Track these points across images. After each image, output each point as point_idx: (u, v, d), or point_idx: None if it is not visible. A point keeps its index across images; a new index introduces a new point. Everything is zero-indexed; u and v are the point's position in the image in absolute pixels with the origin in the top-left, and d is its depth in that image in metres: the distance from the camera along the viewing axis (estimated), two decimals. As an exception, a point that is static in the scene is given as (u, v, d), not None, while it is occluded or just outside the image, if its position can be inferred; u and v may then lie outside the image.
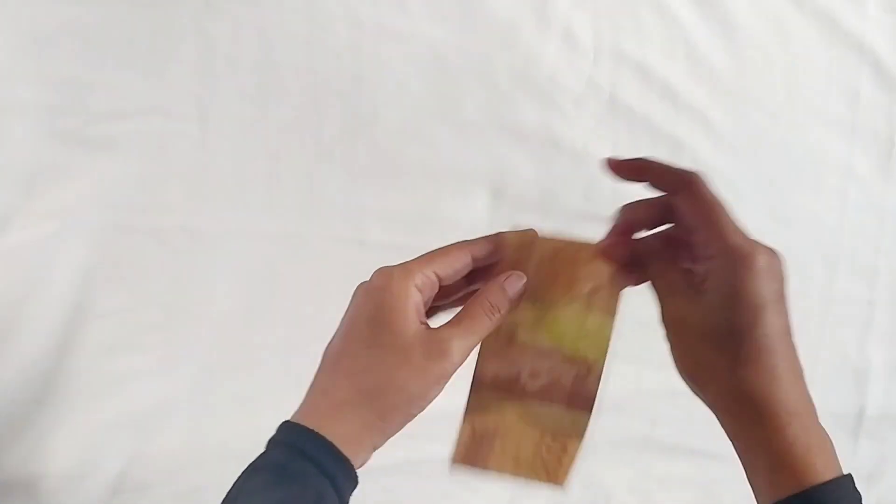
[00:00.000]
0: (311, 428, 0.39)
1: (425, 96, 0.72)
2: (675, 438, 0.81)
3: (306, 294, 0.72)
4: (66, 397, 0.66)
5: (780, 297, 0.40)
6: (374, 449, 0.41)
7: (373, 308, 0.40)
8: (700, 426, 0.81)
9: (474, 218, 0.75)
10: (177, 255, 0.68)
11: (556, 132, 0.76)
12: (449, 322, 0.41)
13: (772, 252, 0.40)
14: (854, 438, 0.90)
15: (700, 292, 0.40)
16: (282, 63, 0.69)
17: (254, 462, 0.40)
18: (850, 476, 0.37)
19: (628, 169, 0.44)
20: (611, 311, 0.44)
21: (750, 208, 0.83)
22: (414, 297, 0.40)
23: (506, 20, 0.73)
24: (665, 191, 0.43)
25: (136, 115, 0.66)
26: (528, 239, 0.45)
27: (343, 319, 0.42)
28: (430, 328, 0.41)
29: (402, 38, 0.71)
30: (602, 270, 0.43)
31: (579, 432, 0.44)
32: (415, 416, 0.41)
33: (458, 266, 0.42)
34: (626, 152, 0.80)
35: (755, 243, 0.40)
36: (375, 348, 0.39)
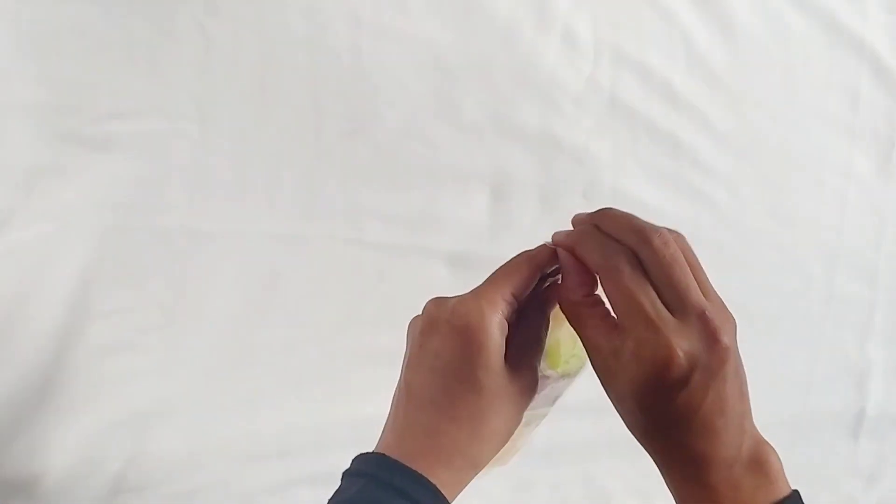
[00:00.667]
0: (421, 473, 0.36)
1: (425, 96, 0.72)
2: (675, 438, 0.81)
3: (306, 294, 0.72)
4: (66, 397, 0.66)
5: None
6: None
7: (464, 346, 0.37)
8: (700, 426, 0.82)
9: (474, 218, 0.75)
10: (177, 255, 0.68)
11: (556, 132, 0.76)
12: (526, 350, 0.40)
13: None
14: (854, 438, 0.90)
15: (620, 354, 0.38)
16: (282, 63, 0.69)
17: (344, 486, 0.38)
18: (795, 492, 0.38)
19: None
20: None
21: (750, 208, 0.84)
22: (502, 328, 0.38)
23: (506, 20, 0.73)
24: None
25: (136, 115, 0.66)
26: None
27: (425, 352, 0.39)
28: (511, 363, 0.38)
29: (402, 38, 0.71)
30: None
31: (537, 422, 0.45)
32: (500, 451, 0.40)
33: (531, 282, 0.40)
34: (627, 152, 0.81)
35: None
36: (475, 389, 0.37)
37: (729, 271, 0.82)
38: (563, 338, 0.43)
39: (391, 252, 0.73)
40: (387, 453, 0.38)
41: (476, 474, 0.39)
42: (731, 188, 0.82)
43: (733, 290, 0.83)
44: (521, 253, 0.41)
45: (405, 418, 0.39)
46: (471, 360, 0.37)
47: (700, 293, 0.38)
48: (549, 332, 0.42)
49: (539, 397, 0.43)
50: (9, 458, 0.64)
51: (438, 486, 0.36)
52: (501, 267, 0.40)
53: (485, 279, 0.40)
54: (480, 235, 0.75)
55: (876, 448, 0.91)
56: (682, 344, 0.36)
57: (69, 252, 0.65)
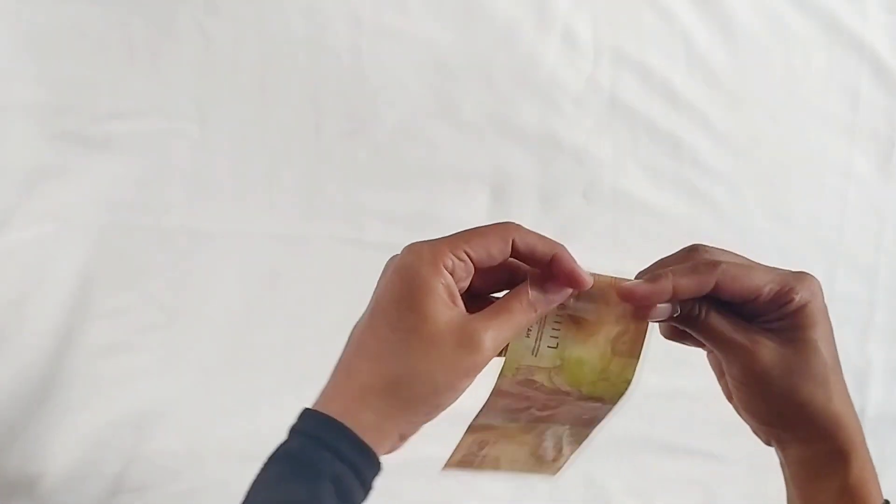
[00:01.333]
0: (330, 415, 0.37)
1: (425, 96, 0.72)
2: (675, 438, 0.81)
3: (306, 294, 0.72)
4: (66, 397, 0.66)
5: (829, 324, 0.42)
6: (403, 438, 0.39)
7: (401, 287, 0.38)
8: (700, 426, 0.82)
9: (474, 218, 0.75)
10: (177, 255, 0.68)
11: (556, 132, 0.76)
12: (484, 312, 0.38)
13: (809, 281, 0.42)
14: (854, 438, 0.90)
15: (759, 344, 0.40)
16: (281, 63, 0.69)
17: (273, 452, 0.39)
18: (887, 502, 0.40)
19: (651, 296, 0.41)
20: (635, 354, 0.42)
21: (750, 208, 0.84)
22: (445, 280, 0.37)
23: (506, 20, 0.73)
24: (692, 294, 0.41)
25: (136, 115, 0.66)
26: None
27: (372, 297, 0.40)
28: (463, 315, 0.37)
29: (402, 38, 0.71)
30: (629, 311, 0.41)
31: (579, 441, 0.44)
32: (443, 407, 0.38)
33: (493, 250, 0.38)
34: (627, 152, 0.81)
35: (800, 280, 0.41)
36: (402, 332, 0.37)
37: (729, 271, 0.83)
38: (588, 358, 0.41)
39: (391, 252, 0.73)
40: (314, 404, 0.39)
41: (409, 418, 0.38)
42: (731, 188, 0.82)
43: (733, 290, 0.83)
44: (501, 223, 0.39)
45: (337, 363, 0.40)
46: (401, 300, 0.37)
47: None
48: (569, 348, 0.41)
49: (560, 412, 0.42)
50: (9, 458, 0.64)
51: (356, 429, 0.36)
52: (471, 228, 0.39)
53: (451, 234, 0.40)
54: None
55: (876, 448, 0.91)
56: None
57: (69, 252, 0.65)
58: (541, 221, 0.77)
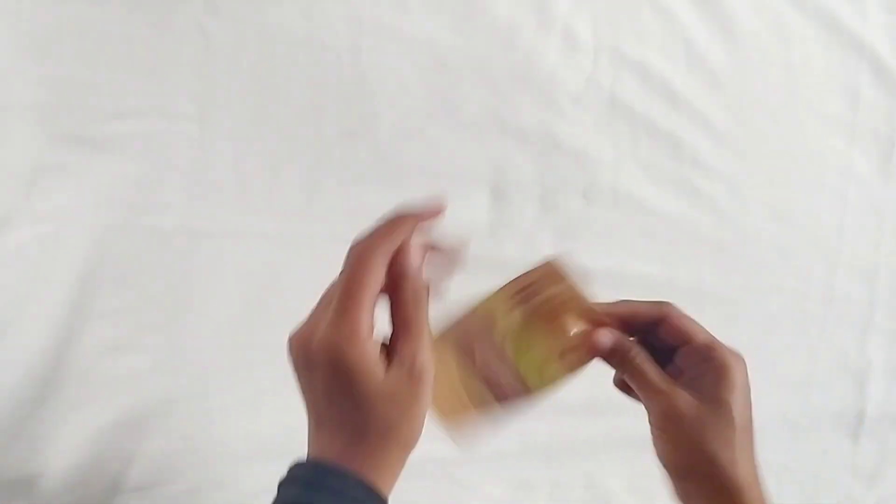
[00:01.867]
0: (332, 462, 0.39)
1: (425, 96, 0.72)
2: (675, 438, 0.81)
3: (306, 294, 0.72)
4: (66, 397, 0.66)
5: (748, 397, 0.45)
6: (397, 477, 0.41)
7: (344, 376, 0.40)
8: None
9: (474, 218, 0.75)
10: (177, 255, 0.68)
11: (556, 132, 0.76)
12: (395, 338, 0.41)
13: (739, 357, 0.46)
14: (854, 438, 0.90)
15: (677, 392, 0.44)
16: (282, 63, 0.69)
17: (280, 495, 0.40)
18: None
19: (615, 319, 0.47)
20: (573, 370, 0.46)
21: (750, 208, 0.84)
22: (370, 351, 0.40)
23: (506, 20, 0.73)
24: (646, 327, 0.47)
25: (136, 115, 0.66)
26: (552, 269, 0.47)
27: (313, 386, 0.42)
28: (390, 364, 0.40)
29: (402, 38, 0.71)
30: (586, 333, 0.46)
31: (485, 409, 0.46)
32: (419, 434, 0.41)
33: (382, 278, 0.42)
34: (626, 152, 0.81)
35: (732, 353, 0.46)
36: (359, 412, 0.39)
37: (729, 271, 0.83)
38: (535, 346, 0.46)
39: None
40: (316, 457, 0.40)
41: (400, 454, 0.40)
42: (732, 188, 0.82)
43: (733, 289, 0.83)
44: (369, 251, 0.43)
45: (309, 441, 0.42)
46: (341, 391, 0.39)
47: None
48: (528, 330, 0.46)
49: (493, 372, 0.46)
50: (9, 458, 0.64)
51: (367, 478, 0.38)
52: (351, 276, 0.42)
53: (338, 295, 0.42)
54: (480, 235, 0.75)
55: (876, 448, 0.91)
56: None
57: (69, 252, 0.65)
58: (541, 221, 0.77)
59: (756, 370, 0.84)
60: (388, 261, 0.42)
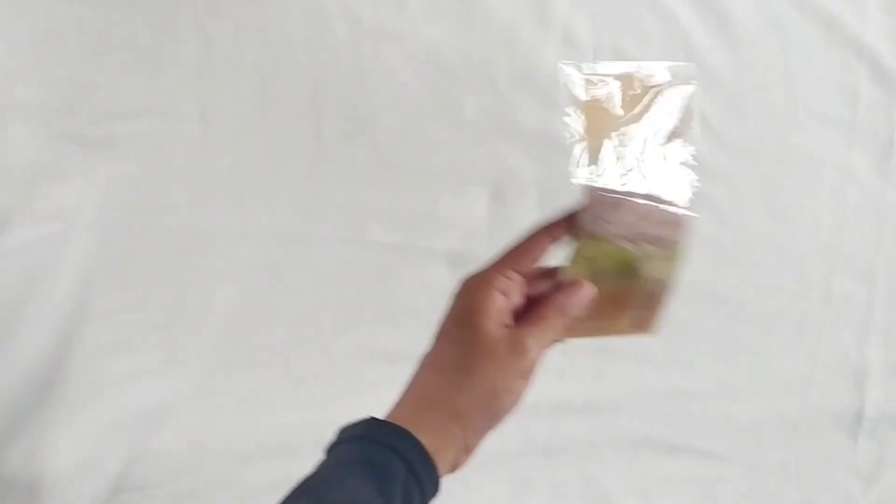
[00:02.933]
0: (399, 424, 0.40)
1: (425, 96, 0.72)
2: (675, 438, 0.81)
3: (306, 294, 0.72)
4: (66, 397, 0.66)
5: None
6: (469, 450, 0.42)
7: (458, 312, 0.43)
8: (700, 426, 0.82)
9: (474, 218, 0.75)
10: (177, 255, 0.68)
11: (556, 132, 0.76)
12: (525, 321, 0.44)
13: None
14: (854, 438, 0.90)
15: None
16: (282, 63, 0.69)
17: (335, 453, 0.42)
18: None
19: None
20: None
21: (750, 208, 0.84)
22: (496, 300, 0.43)
23: (506, 20, 0.73)
24: None
25: (137, 115, 0.66)
26: None
27: (438, 324, 0.45)
28: (511, 327, 0.43)
29: (402, 38, 0.71)
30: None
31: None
32: (504, 411, 0.42)
33: (537, 256, 0.45)
34: (626, 152, 0.81)
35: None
36: (461, 345, 0.42)
37: (729, 271, 0.83)
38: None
39: (391, 252, 0.73)
40: (387, 418, 0.42)
41: (473, 423, 0.41)
42: (731, 188, 0.82)
43: (733, 289, 0.83)
44: (531, 231, 0.46)
45: (409, 381, 0.44)
46: (458, 322, 0.43)
47: None
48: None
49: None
50: (9, 458, 0.64)
51: (420, 436, 0.40)
52: (512, 243, 0.45)
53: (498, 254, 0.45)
54: (480, 235, 0.75)
55: (875, 448, 0.91)
56: None
57: (69, 252, 0.65)
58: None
59: (756, 370, 0.84)
60: (549, 241, 0.46)
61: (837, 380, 0.89)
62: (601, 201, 0.46)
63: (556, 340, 0.45)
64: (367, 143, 0.71)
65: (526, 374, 0.42)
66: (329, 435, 0.69)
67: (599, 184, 0.46)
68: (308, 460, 0.72)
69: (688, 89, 0.45)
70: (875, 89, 0.85)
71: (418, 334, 0.74)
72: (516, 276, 0.44)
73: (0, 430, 0.64)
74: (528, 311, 0.44)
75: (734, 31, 0.80)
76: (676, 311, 0.85)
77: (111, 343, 0.67)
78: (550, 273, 0.46)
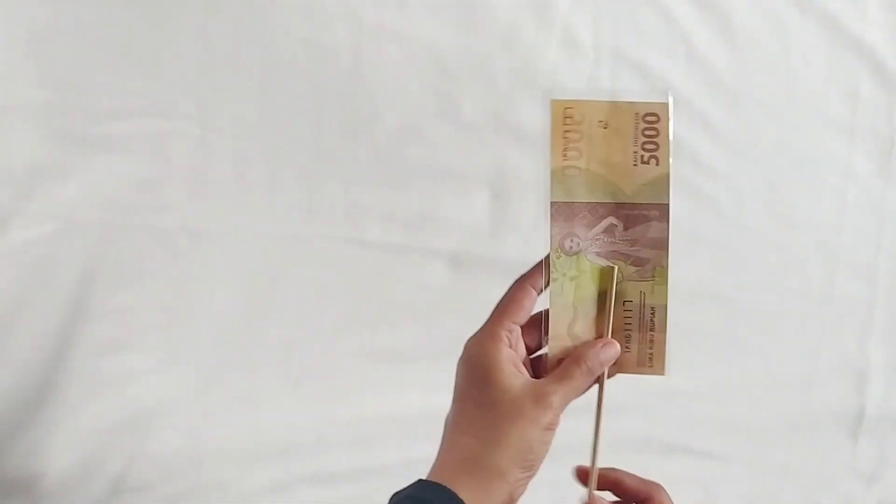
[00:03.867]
0: (441, 483, 0.41)
1: (425, 96, 0.72)
2: (675, 438, 0.81)
3: (306, 294, 0.72)
4: (66, 397, 0.66)
5: None
6: (513, 500, 0.44)
7: (474, 374, 0.44)
8: (700, 426, 0.82)
9: (474, 218, 0.75)
10: (177, 255, 0.68)
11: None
12: (551, 376, 0.44)
13: None
14: (854, 438, 0.90)
15: None
16: (282, 63, 0.69)
17: None
18: None
19: (601, 480, 0.50)
20: None
21: (750, 208, 0.84)
22: (507, 354, 0.43)
23: (506, 20, 0.73)
24: (633, 500, 0.49)
25: (136, 115, 0.66)
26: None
27: (454, 389, 0.45)
28: (532, 380, 0.44)
29: (402, 38, 0.71)
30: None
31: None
32: (539, 460, 0.44)
33: (527, 305, 0.45)
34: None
35: None
36: (486, 406, 0.43)
37: (729, 271, 0.83)
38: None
39: (391, 252, 0.73)
40: (426, 477, 0.43)
41: (508, 482, 0.42)
42: (732, 188, 0.82)
43: (733, 289, 0.83)
44: (516, 283, 0.46)
45: (442, 445, 0.45)
46: (476, 382, 0.43)
47: None
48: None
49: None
50: (9, 458, 0.64)
51: (461, 493, 0.40)
52: (501, 299, 0.46)
53: (491, 312, 0.46)
54: (480, 235, 0.75)
55: (876, 448, 0.91)
56: None
57: (69, 252, 0.65)
58: (541, 222, 0.77)
59: (756, 370, 0.84)
60: (534, 290, 0.45)
61: (838, 380, 0.89)
62: (563, 213, 0.45)
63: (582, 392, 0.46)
64: (367, 143, 0.71)
65: (553, 427, 0.44)
66: (328, 435, 0.69)
67: (564, 199, 0.45)
68: (308, 460, 0.72)
69: (664, 117, 0.45)
70: (875, 89, 0.85)
71: (418, 334, 0.75)
72: (515, 328, 0.45)
73: (0, 430, 0.64)
74: (558, 366, 0.45)
75: (734, 31, 0.80)
76: (677, 311, 0.85)
77: (111, 343, 0.67)
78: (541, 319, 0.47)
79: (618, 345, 0.46)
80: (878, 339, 0.89)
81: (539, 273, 0.46)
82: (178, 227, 0.68)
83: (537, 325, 0.46)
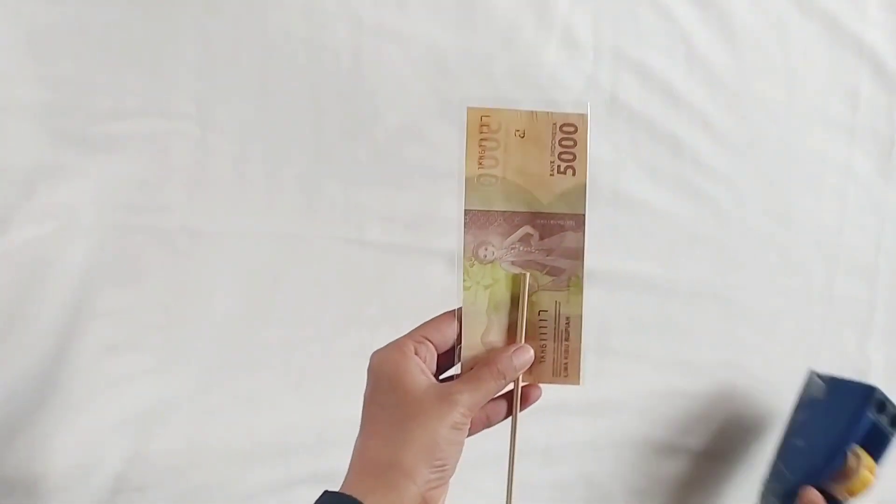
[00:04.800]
0: (348, 494, 0.41)
1: (425, 96, 0.72)
2: (675, 438, 0.81)
3: (306, 294, 0.72)
4: (66, 397, 0.66)
5: None
6: (427, 501, 0.43)
7: (379, 379, 0.44)
8: (700, 426, 0.82)
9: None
10: (177, 255, 0.68)
11: (556, 132, 0.76)
12: (458, 377, 0.44)
13: None
14: (854, 438, 0.90)
15: None
16: (282, 63, 0.69)
17: None
18: None
19: None
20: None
21: (750, 208, 0.84)
22: (414, 361, 0.44)
23: (506, 20, 0.73)
24: None
25: (136, 115, 0.66)
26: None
27: (364, 395, 0.46)
28: (438, 382, 0.44)
29: (402, 38, 0.71)
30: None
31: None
32: (450, 461, 0.43)
33: (448, 332, 0.45)
34: (627, 152, 0.81)
35: None
36: (391, 408, 0.43)
37: (729, 271, 0.82)
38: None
39: (391, 252, 0.73)
40: (339, 489, 0.43)
41: (416, 483, 0.42)
42: (732, 188, 0.82)
43: (733, 289, 0.83)
44: (447, 311, 0.46)
45: (353, 452, 0.45)
46: (383, 387, 0.44)
47: None
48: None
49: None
50: (9, 458, 0.64)
51: (367, 500, 0.40)
52: (426, 321, 0.46)
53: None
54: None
55: (876, 448, 0.91)
56: None
57: (69, 252, 0.65)
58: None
59: (756, 370, 0.84)
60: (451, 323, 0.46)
61: (838, 380, 0.89)
62: (477, 222, 0.45)
63: (493, 398, 0.45)
64: (367, 143, 0.71)
65: (460, 427, 0.43)
66: (328, 435, 0.69)
67: (479, 207, 0.45)
68: (308, 460, 0.72)
69: (582, 127, 0.45)
70: (875, 89, 0.85)
71: (418, 334, 0.75)
72: (428, 345, 0.45)
73: (0, 430, 0.64)
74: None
75: (734, 31, 0.80)
76: (677, 310, 0.85)
77: (111, 343, 0.67)
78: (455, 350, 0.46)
79: (531, 350, 0.45)
80: (878, 339, 0.89)
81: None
82: (178, 227, 0.68)
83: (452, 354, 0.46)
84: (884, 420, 0.43)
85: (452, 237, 0.76)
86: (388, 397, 0.43)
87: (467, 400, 0.43)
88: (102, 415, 0.67)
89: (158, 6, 0.65)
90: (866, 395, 0.43)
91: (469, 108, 0.45)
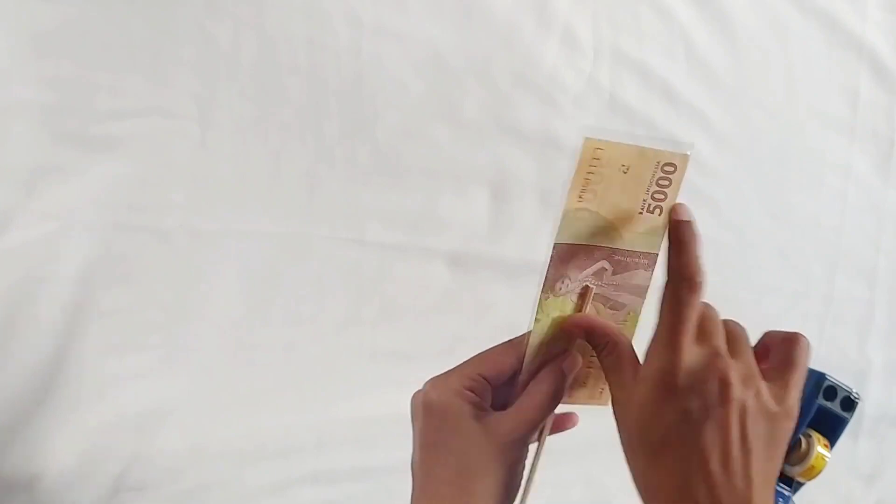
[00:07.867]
0: None
1: (425, 96, 0.72)
2: (675, 438, 0.81)
3: (306, 294, 0.72)
4: (66, 397, 0.66)
5: None
6: None
7: (434, 419, 0.43)
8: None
9: (474, 218, 0.75)
10: (177, 255, 0.68)
11: (556, 132, 0.76)
12: (508, 409, 0.44)
13: None
14: (854, 438, 0.90)
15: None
16: (282, 63, 0.69)
17: None
18: None
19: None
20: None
21: (750, 208, 0.84)
22: (465, 396, 0.42)
23: (506, 20, 0.73)
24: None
25: (137, 115, 0.66)
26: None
27: (414, 435, 0.45)
28: (491, 414, 0.43)
29: (402, 38, 0.71)
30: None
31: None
32: (516, 492, 0.44)
33: (503, 367, 0.44)
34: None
35: None
36: (455, 454, 0.42)
37: (729, 271, 0.83)
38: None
39: (391, 252, 0.73)
40: None
41: None
42: (731, 188, 0.82)
43: (733, 289, 0.83)
44: (506, 342, 0.45)
45: (414, 493, 0.44)
46: (438, 431, 0.43)
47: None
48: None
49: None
50: (9, 458, 0.64)
51: None
52: (479, 353, 0.45)
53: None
54: (480, 235, 0.75)
55: (875, 448, 0.91)
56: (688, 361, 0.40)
57: (69, 252, 0.65)
58: (541, 221, 0.77)
59: (756, 370, 0.84)
60: (516, 356, 0.44)
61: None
62: (562, 256, 0.44)
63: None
64: (367, 143, 0.71)
65: (521, 461, 0.44)
66: (328, 435, 0.69)
67: (568, 241, 0.44)
68: (308, 460, 0.72)
69: (681, 168, 0.44)
70: (875, 89, 0.85)
71: (418, 334, 0.75)
72: (481, 379, 0.43)
73: (0, 430, 0.64)
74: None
75: (734, 31, 0.80)
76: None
77: (111, 343, 0.67)
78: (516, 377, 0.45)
79: (579, 357, 0.45)
80: (878, 339, 0.89)
81: (520, 341, 0.44)
82: (178, 227, 0.68)
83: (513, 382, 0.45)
84: (835, 405, 0.44)
85: (452, 237, 0.76)
86: (440, 441, 0.43)
87: (514, 435, 0.43)
88: (102, 415, 0.67)
89: (158, 6, 0.65)
90: (817, 381, 0.44)
91: (586, 139, 0.42)
